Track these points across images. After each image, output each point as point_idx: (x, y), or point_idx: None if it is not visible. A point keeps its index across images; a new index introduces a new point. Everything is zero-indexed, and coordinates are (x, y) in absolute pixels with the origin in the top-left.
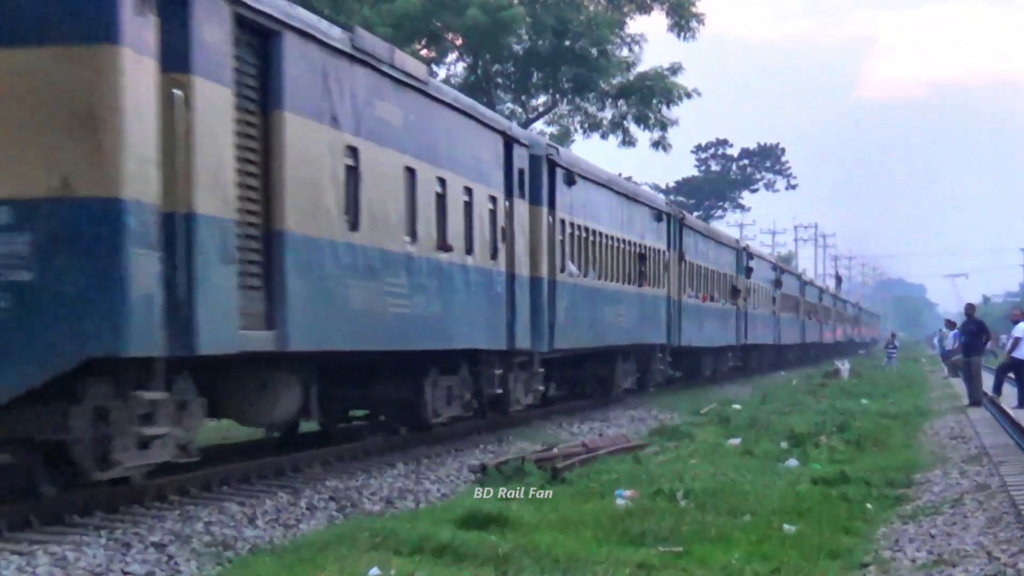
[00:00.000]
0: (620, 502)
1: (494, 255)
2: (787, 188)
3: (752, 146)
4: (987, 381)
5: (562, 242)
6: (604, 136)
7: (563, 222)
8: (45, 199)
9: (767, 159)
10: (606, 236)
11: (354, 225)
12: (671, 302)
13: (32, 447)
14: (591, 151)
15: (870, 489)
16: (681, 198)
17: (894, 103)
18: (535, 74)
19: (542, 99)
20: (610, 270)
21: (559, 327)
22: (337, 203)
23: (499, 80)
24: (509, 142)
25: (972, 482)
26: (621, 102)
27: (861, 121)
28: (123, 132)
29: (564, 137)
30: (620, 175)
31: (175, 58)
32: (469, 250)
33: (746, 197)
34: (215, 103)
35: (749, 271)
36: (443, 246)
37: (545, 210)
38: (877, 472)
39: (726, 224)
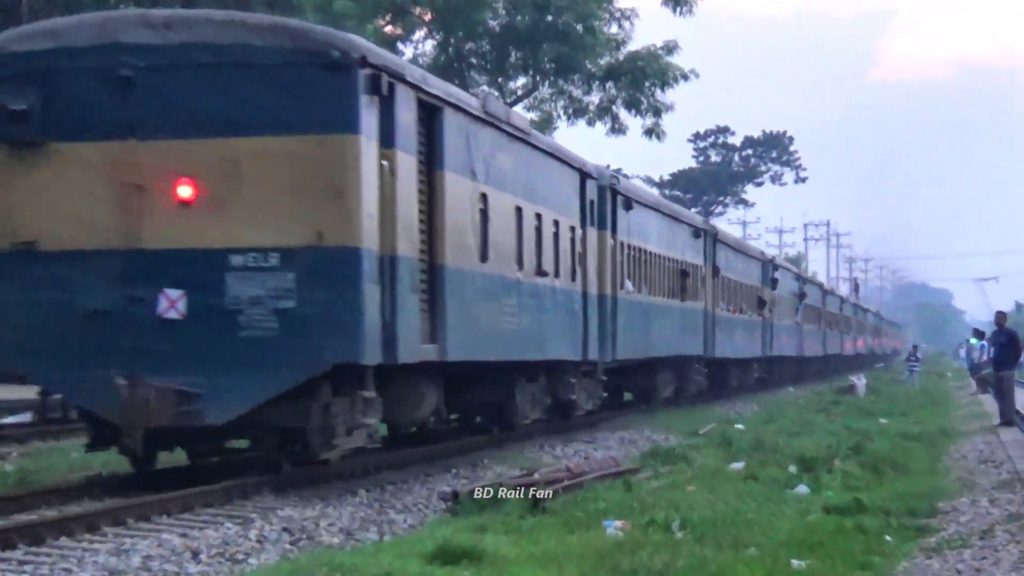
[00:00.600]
0: (609, 533)
1: (573, 277)
2: (796, 181)
3: (756, 134)
4: (1020, 398)
5: (621, 262)
6: (591, 123)
7: (622, 244)
8: (304, 247)
9: (773, 149)
10: (655, 255)
11: (484, 257)
12: (707, 315)
13: (275, 433)
14: (576, 139)
15: (889, 519)
16: (677, 192)
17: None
18: (513, 53)
19: (521, 81)
20: (658, 286)
21: (619, 339)
22: (474, 240)
23: (473, 60)
24: (583, 177)
25: (1003, 511)
26: (609, 85)
27: (878, 106)
28: (361, 198)
29: (546, 124)
30: (608, 167)
31: (385, 137)
32: (557, 274)
33: (750, 191)
34: (406, 169)
35: (775, 283)
36: (540, 271)
37: (608, 234)
38: (897, 500)
39: (727, 221)
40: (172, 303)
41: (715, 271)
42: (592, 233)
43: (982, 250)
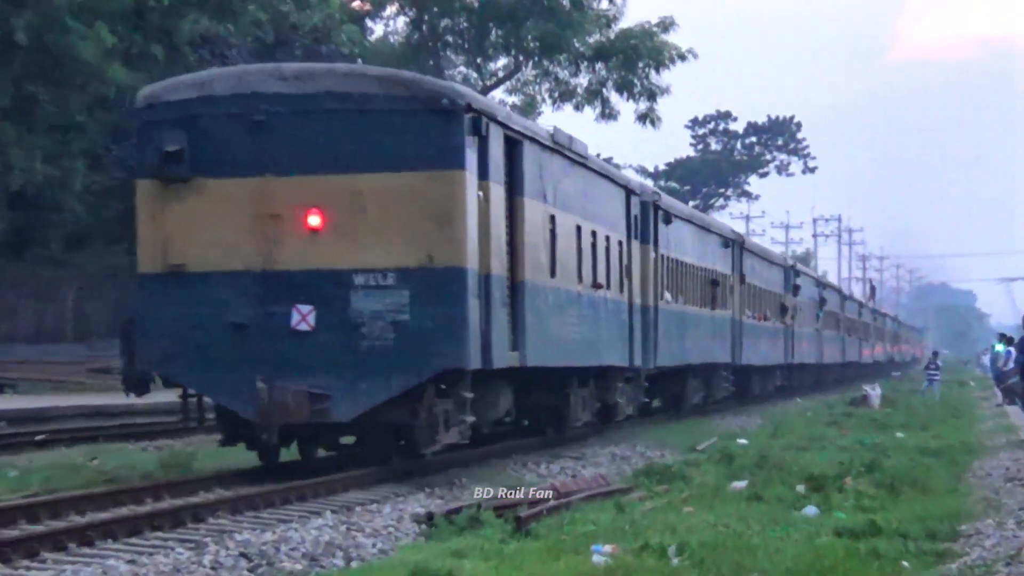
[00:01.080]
0: (598, 559)
1: (621, 288)
2: (804, 172)
3: (761, 120)
4: None
5: (661, 273)
6: (578, 107)
7: (661, 256)
8: (417, 268)
9: (779, 136)
10: (690, 265)
11: (552, 273)
12: (734, 323)
13: (388, 430)
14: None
15: (907, 543)
16: (673, 184)
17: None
18: (493, 31)
19: (502, 62)
20: (691, 295)
21: (659, 347)
22: (546, 258)
23: (449, 39)
24: (629, 193)
25: None
26: (599, 66)
27: (895, 90)
28: (466, 225)
29: (529, 108)
30: (598, 155)
31: (482, 171)
32: (608, 286)
33: (753, 183)
34: (497, 198)
35: (796, 289)
36: (596, 284)
37: (650, 247)
38: (915, 522)
39: (729, 216)
40: (303, 317)
41: (741, 279)
42: (636, 247)
43: (1010, 248)
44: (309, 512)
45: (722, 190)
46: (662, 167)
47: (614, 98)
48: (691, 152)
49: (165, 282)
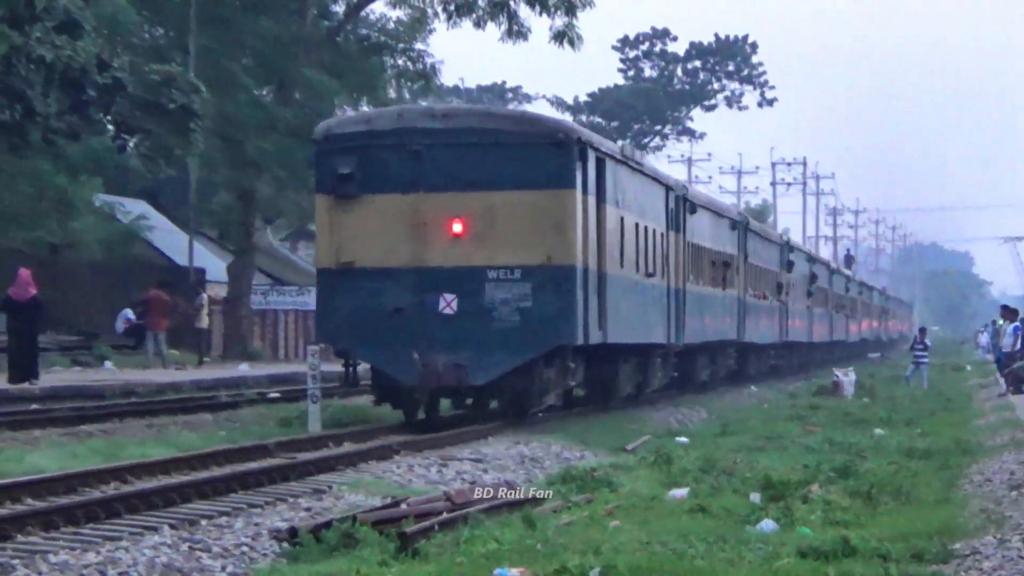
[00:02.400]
0: None
1: (662, 274)
2: (760, 104)
3: (707, 40)
4: None
5: (687, 258)
6: (480, 24)
7: (688, 243)
8: (538, 265)
9: (729, 60)
10: (707, 249)
11: (622, 265)
12: (740, 302)
13: (509, 393)
14: (460, 46)
15: (888, 566)
16: (598, 119)
17: None
18: None
19: None
20: (708, 277)
21: (687, 327)
22: (618, 252)
23: None
24: (667, 190)
25: None
26: None
27: (874, 3)
28: (576, 232)
29: (418, 25)
30: (503, 83)
31: (584, 188)
32: (653, 273)
33: (697, 118)
34: (591, 208)
35: (790, 265)
36: (648, 273)
37: (681, 235)
38: (898, 540)
39: (667, 159)
40: (448, 303)
41: (745, 259)
42: (671, 236)
43: (1014, 200)
44: (143, 527)
45: (659, 127)
46: (584, 99)
47: (524, 12)
48: (620, 80)
49: (339, 276)
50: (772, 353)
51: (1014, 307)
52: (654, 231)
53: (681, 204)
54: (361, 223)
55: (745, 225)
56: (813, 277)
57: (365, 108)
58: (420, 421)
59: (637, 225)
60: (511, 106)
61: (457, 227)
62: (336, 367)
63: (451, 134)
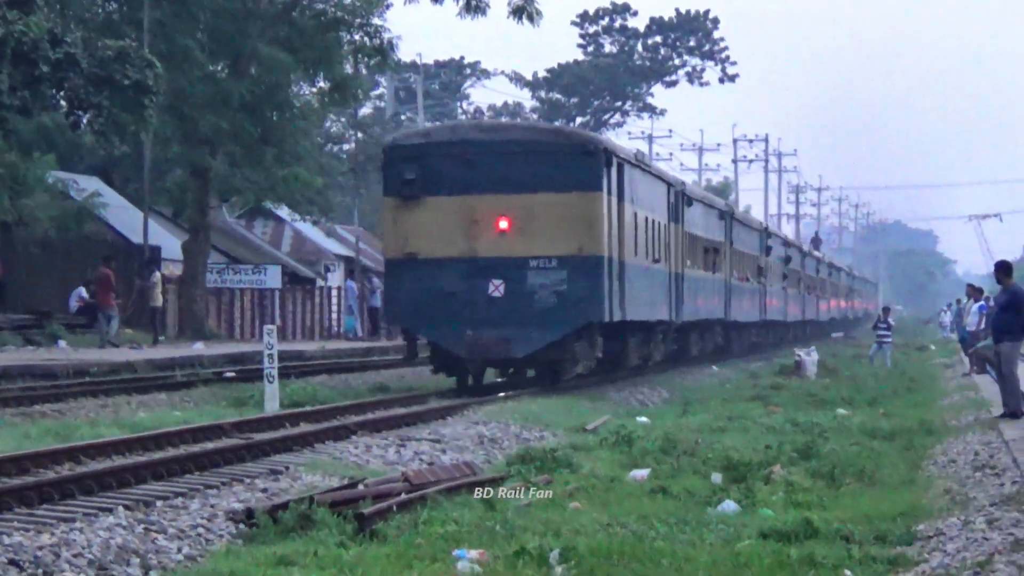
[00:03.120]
0: (462, 567)
1: (665, 260)
2: (722, 80)
3: (667, 15)
4: None
5: (684, 246)
6: None
7: (684, 232)
8: (571, 255)
9: (691, 35)
10: (699, 237)
11: (636, 253)
12: (726, 284)
13: (545, 363)
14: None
15: (850, 548)
16: (557, 95)
17: None
18: None
19: None
20: (700, 262)
21: (684, 306)
22: (632, 243)
23: None
24: (669, 187)
25: (1007, 536)
26: None
27: None
28: (603, 227)
29: (376, 2)
30: (461, 59)
31: (608, 190)
32: (659, 260)
33: (658, 94)
34: (614, 206)
35: (768, 250)
36: (654, 260)
37: (680, 226)
38: (861, 522)
39: (627, 135)
40: (496, 288)
41: (731, 245)
42: (672, 227)
43: (981, 178)
44: (97, 508)
45: (619, 103)
46: (543, 75)
47: None
48: (580, 56)
49: (403, 264)
50: (752, 331)
51: (979, 287)
52: (658, 223)
53: (680, 198)
54: (422, 220)
55: (731, 215)
56: (787, 260)
57: (321, 84)
58: (470, 387)
59: (647, 219)
60: (469, 81)
61: (503, 224)
62: (292, 347)
63: (497, 144)
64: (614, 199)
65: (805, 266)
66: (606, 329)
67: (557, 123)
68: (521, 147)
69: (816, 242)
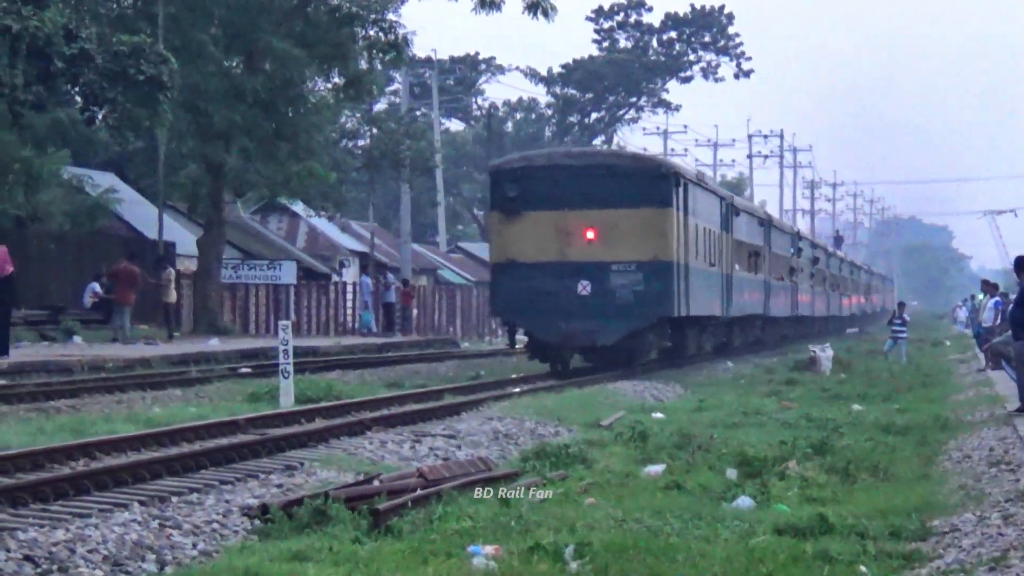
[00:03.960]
0: (477, 563)
1: (718, 263)
2: (737, 76)
3: (682, 11)
4: None
5: (732, 250)
6: None
7: (733, 239)
8: (647, 261)
9: (706, 31)
10: (745, 243)
11: (696, 258)
12: (766, 283)
13: (624, 350)
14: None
15: (865, 543)
16: (572, 91)
17: None
18: None
19: None
20: (746, 265)
21: (732, 302)
22: (694, 250)
23: None
24: (721, 199)
25: (1022, 532)
26: None
27: None
28: (672, 237)
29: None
30: (476, 54)
31: (676, 206)
32: (714, 264)
33: (673, 90)
34: (680, 219)
35: (799, 251)
36: (711, 263)
37: (729, 234)
38: (876, 517)
39: (642, 131)
40: (584, 287)
41: (769, 248)
42: (723, 235)
43: (996, 172)
44: (112, 504)
45: (633, 99)
46: (557, 70)
47: None
48: (594, 51)
49: (506, 268)
50: (785, 325)
51: (995, 282)
52: (713, 232)
53: (729, 209)
54: (522, 231)
55: (769, 222)
56: (815, 260)
57: (335, 80)
58: (560, 371)
59: (705, 228)
60: (483, 77)
61: (590, 234)
62: (306, 343)
63: (584, 168)
64: (680, 213)
65: (829, 265)
66: (673, 322)
67: (571, 118)
68: (604, 170)
69: (838, 240)
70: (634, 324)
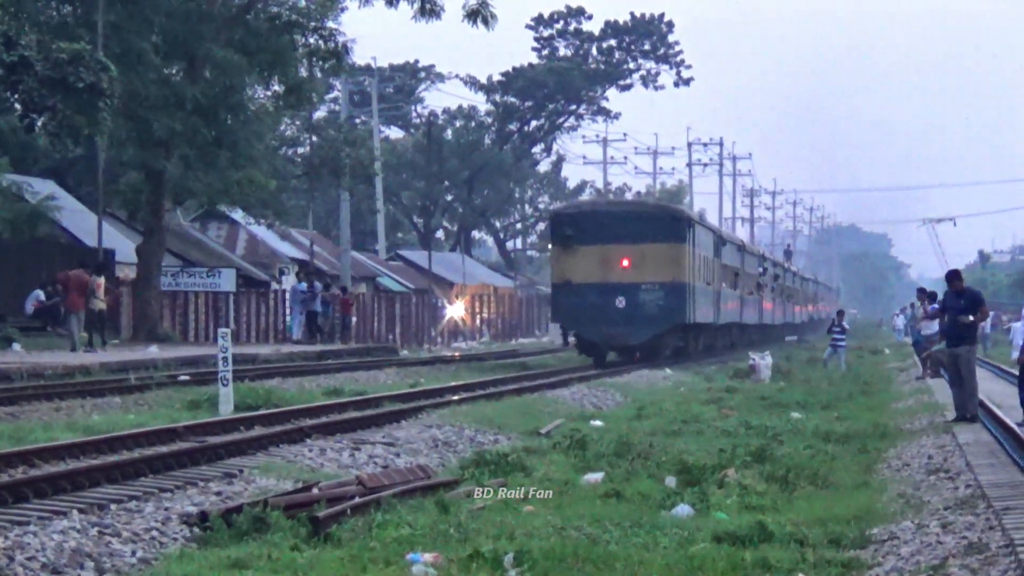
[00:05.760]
0: (415, 571)
1: (712, 282)
2: (676, 84)
3: (622, 19)
4: (986, 384)
5: (719, 272)
6: (392, 2)
7: (720, 263)
8: (667, 282)
9: (645, 39)
10: (728, 266)
11: (699, 279)
12: (741, 297)
13: (648, 348)
14: (372, 24)
15: (804, 551)
16: (512, 99)
17: None
18: None
19: None
20: (729, 282)
21: (721, 312)
22: (699, 274)
23: None
24: (713, 233)
25: (960, 540)
26: None
27: None
28: (686, 265)
29: (330, 3)
30: (416, 62)
31: (689, 242)
32: (711, 282)
33: (613, 98)
34: (690, 251)
35: (764, 271)
36: (707, 283)
37: (719, 259)
38: (815, 525)
39: (582, 140)
40: (620, 301)
41: (743, 268)
42: (714, 260)
43: (934, 182)
44: (51, 511)
45: (573, 107)
46: (497, 78)
47: None
48: (534, 59)
49: (563, 287)
50: (753, 331)
51: (932, 290)
52: (708, 258)
53: (718, 240)
54: (575, 260)
55: (743, 247)
56: (776, 276)
57: (275, 87)
58: (599, 362)
59: (704, 256)
60: (423, 85)
61: (625, 262)
62: (246, 350)
63: (622, 213)
64: (690, 247)
65: (786, 279)
66: (683, 327)
67: (511, 126)
68: (636, 215)
69: (788, 254)
70: (657, 329)
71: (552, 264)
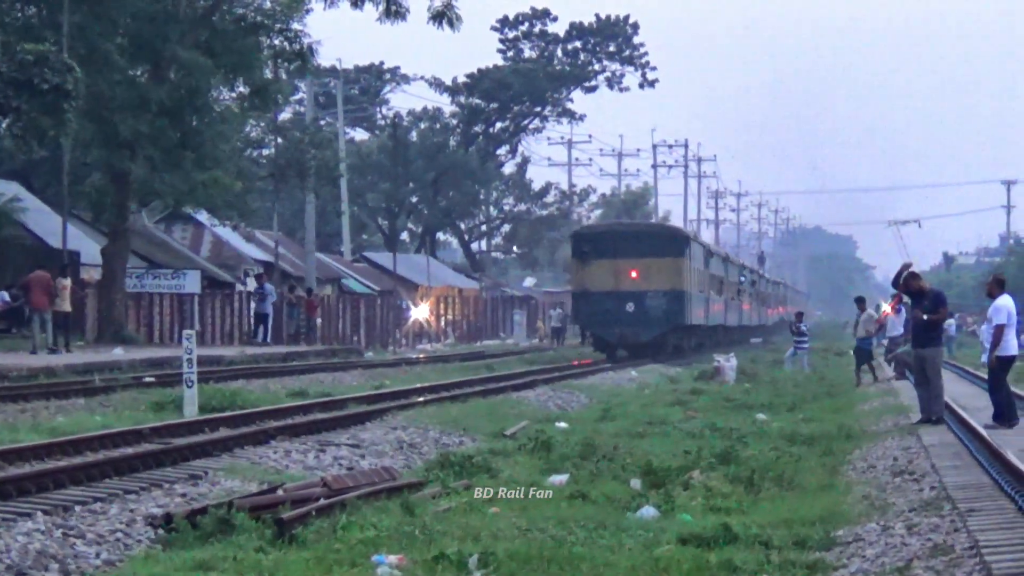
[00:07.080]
0: (381, 572)
1: (704, 290)
2: (642, 86)
3: (587, 20)
4: (952, 386)
5: (708, 281)
6: (358, 4)
7: (709, 273)
8: (669, 290)
9: (610, 41)
10: (715, 275)
11: (694, 287)
12: (725, 302)
13: (653, 346)
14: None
15: (769, 553)
16: (478, 101)
17: None
18: None
19: None
20: (716, 289)
21: (710, 315)
22: (695, 283)
23: None
24: (704, 247)
25: (925, 541)
26: None
27: None
28: (684, 275)
29: (295, 4)
30: (381, 64)
31: (687, 256)
32: (703, 290)
33: (578, 99)
34: (688, 264)
35: (744, 279)
36: (700, 290)
37: (708, 270)
38: (780, 527)
39: (547, 141)
40: (630, 306)
41: (726, 276)
42: (705, 271)
43: (898, 183)
44: (15, 513)
45: (538, 108)
46: (462, 80)
47: None
48: (499, 61)
49: (582, 295)
50: (734, 332)
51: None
52: (700, 269)
53: (708, 253)
54: (592, 272)
55: (726, 258)
56: (753, 283)
57: (241, 89)
58: (612, 357)
59: (697, 268)
60: (388, 87)
61: (634, 274)
62: (211, 352)
63: (632, 233)
64: (687, 260)
65: (760, 285)
66: (682, 328)
67: (476, 128)
68: (643, 234)
69: (761, 259)
70: (661, 329)
71: (573, 276)
